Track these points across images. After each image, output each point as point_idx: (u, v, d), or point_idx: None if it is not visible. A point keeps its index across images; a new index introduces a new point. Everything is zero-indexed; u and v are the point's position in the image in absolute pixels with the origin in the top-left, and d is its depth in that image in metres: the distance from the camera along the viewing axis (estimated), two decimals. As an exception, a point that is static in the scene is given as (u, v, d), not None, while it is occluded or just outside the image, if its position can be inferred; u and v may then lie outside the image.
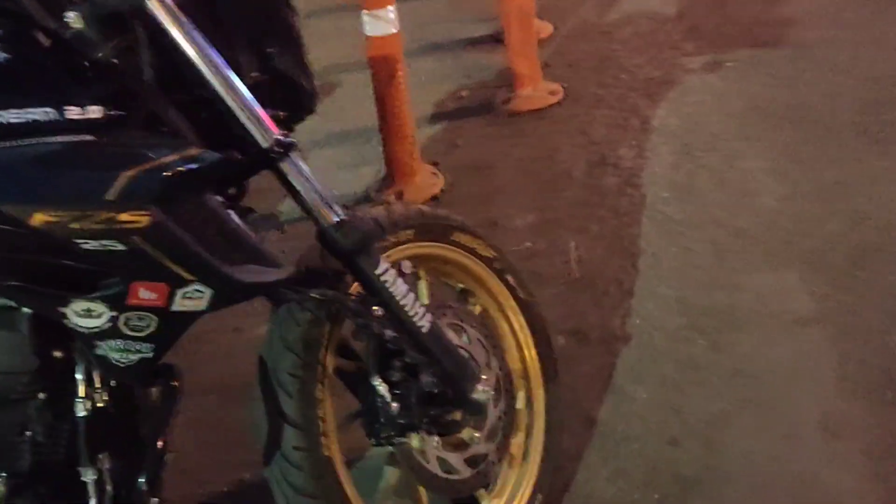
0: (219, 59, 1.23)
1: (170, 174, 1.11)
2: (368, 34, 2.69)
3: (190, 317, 1.21)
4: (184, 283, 1.15)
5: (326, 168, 3.18)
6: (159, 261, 1.12)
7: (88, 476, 1.25)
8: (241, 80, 1.29)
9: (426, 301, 1.61)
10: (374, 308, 1.40)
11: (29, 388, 1.21)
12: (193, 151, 1.16)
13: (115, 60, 1.19)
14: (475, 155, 3.15)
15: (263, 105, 1.35)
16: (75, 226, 1.06)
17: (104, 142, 1.11)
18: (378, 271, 1.37)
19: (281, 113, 1.42)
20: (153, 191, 1.09)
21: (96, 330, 1.16)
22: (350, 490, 1.40)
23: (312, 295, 1.34)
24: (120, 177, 1.07)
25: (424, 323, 1.42)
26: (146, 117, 1.23)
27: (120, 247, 1.09)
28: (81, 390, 1.23)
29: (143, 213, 1.09)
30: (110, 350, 1.19)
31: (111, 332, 1.17)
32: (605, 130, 3.18)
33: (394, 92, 2.75)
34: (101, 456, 1.27)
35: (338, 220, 1.34)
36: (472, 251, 1.67)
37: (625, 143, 3.07)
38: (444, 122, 3.42)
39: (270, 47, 1.34)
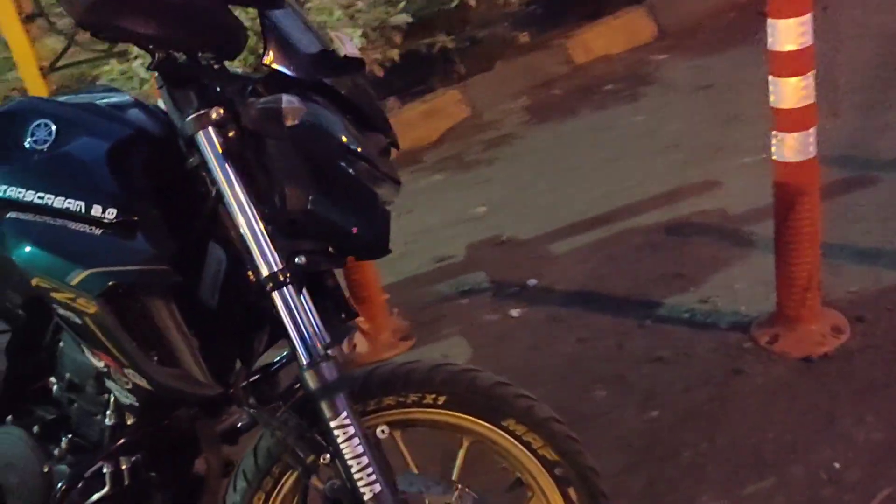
0: (240, 190, 1.40)
1: (121, 280, 1.37)
2: (775, 158, 2.33)
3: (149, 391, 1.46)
4: (123, 364, 1.42)
5: (742, 279, 2.87)
6: (102, 341, 1.40)
7: (106, 468, 1.63)
8: (278, 212, 1.43)
9: (455, 476, 1.55)
10: (324, 456, 1.44)
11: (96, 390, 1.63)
12: (157, 267, 1.39)
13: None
14: (918, 328, 2.48)
15: (306, 237, 1.47)
16: (54, 294, 1.40)
17: (99, 237, 1.41)
18: (334, 423, 1.40)
19: (330, 248, 1.52)
20: (102, 288, 1.37)
21: (102, 368, 1.52)
22: None
23: (263, 418, 1.46)
24: (84, 271, 1.37)
25: (368, 490, 1.41)
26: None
27: (77, 320, 1.40)
28: (111, 403, 1.61)
29: (92, 302, 1.37)
30: (112, 386, 1.54)
31: (108, 375, 1.51)
32: None
33: (793, 226, 2.35)
34: (122, 457, 1.64)
35: (308, 360, 1.41)
36: (526, 445, 1.52)
37: None
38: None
39: (316, 192, 1.43)
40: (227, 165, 1.39)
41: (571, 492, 1.53)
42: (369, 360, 2.85)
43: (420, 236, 3.77)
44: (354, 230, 1.47)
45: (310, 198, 1.43)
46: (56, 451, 1.68)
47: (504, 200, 3.95)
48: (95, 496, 1.65)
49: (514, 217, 3.71)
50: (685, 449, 2.22)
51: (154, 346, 1.41)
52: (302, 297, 1.43)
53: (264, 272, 1.40)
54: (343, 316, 1.70)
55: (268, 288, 1.40)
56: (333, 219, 1.46)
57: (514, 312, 3.04)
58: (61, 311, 1.42)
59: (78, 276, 1.37)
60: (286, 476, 1.52)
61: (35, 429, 1.70)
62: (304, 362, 1.41)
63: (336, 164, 1.44)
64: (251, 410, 1.47)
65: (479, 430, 1.53)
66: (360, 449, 1.41)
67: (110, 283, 1.36)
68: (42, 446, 1.69)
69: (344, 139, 1.44)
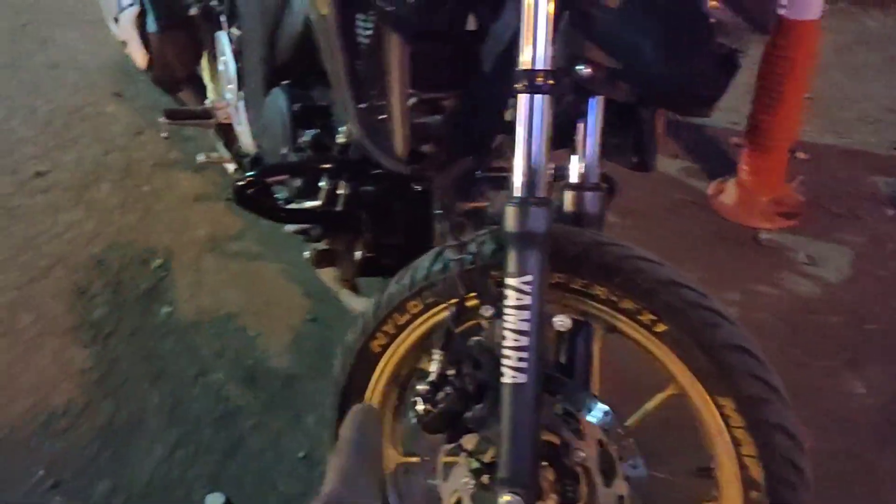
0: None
1: None
2: None
3: None
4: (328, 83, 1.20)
5: None
6: (323, 47, 1.18)
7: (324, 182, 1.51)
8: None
9: (632, 420, 1.18)
10: (486, 307, 1.15)
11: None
12: None
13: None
14: None
15: (604, 45, 1.09)
16: None
17: None
18: (512, 281, 1.09)
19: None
20: None
21: None
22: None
23: (448, 227, 1.18)
24: None
25: (510, 375, 1.11)
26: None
27: (312, 13, 1.19)
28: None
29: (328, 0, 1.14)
30: None
31: None
32: None
33: None
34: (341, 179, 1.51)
35: (520, 194, 1.08)
36: (734, 441, 1.10)
37: None
38: None
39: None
40: None
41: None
42: (730, 216, 2.38)
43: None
44: (659, 63, 1.04)
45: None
46: (300, 138, 1.59)
47: None
48: (308, 204, 1.55)
49: None
50: None
51: (368, 83, 1.16)
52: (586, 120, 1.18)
53: (523, 63, 1.05)
54: (634, 160, 1.34)
55: (517, 85, 1.06)
56: (634, 34, 1.04)
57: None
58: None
59: None
60: (440, 307, 1.26)
61: (296, 106, 1.59)
62: (515, 193, 1.08)
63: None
64: (439, 212, 1.20)
65: (688, 387, 1.12)
66: (526, 326, 1.09)
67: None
68: (293, 125, 1.59)
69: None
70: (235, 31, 1.95)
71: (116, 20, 2.15)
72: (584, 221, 1.26)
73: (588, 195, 1.27)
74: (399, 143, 1.21)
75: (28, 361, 1.94)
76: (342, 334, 2.01)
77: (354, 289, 1.74)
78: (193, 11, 2.05)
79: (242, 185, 1.43)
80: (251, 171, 1.86)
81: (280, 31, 1.66)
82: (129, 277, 2.19)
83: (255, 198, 1.45)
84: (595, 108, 1.24)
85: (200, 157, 1.95)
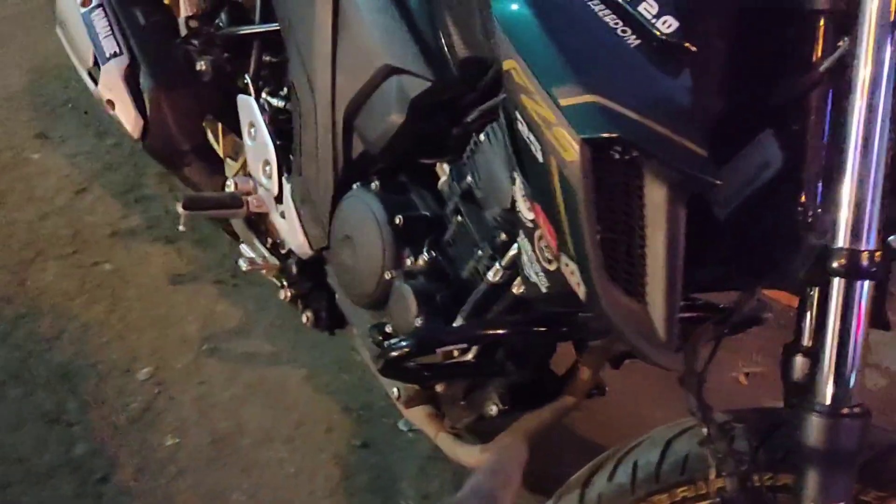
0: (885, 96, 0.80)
1: (632, 138, 0.82)
2: None
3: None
4: (563, 245, 0.89)
5: None
6: (556, 201, 0.88)
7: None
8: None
9: None
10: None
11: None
12: (690, 144, 0.83)
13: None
14: None
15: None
16: (525, 98, 0.88)
17: (631, 52, 0.84)
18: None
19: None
20: (597, 133, 0.83)
21: (525, 220, 0.99)
22: None
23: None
24: (585, 95, 0.84)
25: None
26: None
27: (538, 154, 0.89)
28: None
29: (574, 143, 0.83)
30: (523, 246, 1.03)
31: (528, 232, 1.01)
32: None
33: None
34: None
35: (829, 404, 0.83)
36: None
37: None
38: None
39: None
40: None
41: None
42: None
43: None
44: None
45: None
46: (409, 259, 1.25)
47: None
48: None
49: None
50: None
51: (623, 255, 0.86)
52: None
53: (839, 241, 0.81)
54: (877, 320, 1.11)
55: (832, 265, 0.81)
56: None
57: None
58: (521, 127, 0.89)
59: (572, 98, 0.81)
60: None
61: (398, 218, 1.25)
62: (820, 400, 0.84)
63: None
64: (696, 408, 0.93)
65: None
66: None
67: (613, 136, 0.79)
68: (395, 243, 1.25)
69: None
70: (270, 99, 1.55)
71: (92, 75, 1.68)
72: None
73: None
74: (662, 325, 0.89)
75: (-1, 529, 1.48)
76: (401, 464, 1.69)
77: (458, 435, 1.41)
78: (202, 66, 1.62)
79: (398, 357, 1.07)
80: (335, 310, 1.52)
81: (366, 112, 1.30)
82: (113, 396, 1.74)
83: (408, 367, 1.10)
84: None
85: (243, 266, 1.54)
